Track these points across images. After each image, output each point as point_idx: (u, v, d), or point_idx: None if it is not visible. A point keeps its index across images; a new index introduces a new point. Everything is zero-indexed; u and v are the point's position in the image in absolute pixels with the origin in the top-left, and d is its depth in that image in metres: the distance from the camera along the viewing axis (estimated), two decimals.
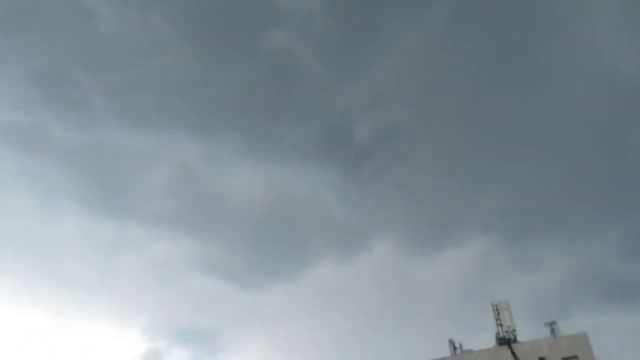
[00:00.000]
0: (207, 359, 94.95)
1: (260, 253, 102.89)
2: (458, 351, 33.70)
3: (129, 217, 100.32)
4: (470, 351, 32.85)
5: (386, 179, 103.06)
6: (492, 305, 33.21)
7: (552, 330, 31.34)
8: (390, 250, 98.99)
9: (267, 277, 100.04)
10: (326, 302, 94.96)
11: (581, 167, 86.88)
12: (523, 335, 31.62)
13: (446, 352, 33.81)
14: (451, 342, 34.17)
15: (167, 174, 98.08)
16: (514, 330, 31.52)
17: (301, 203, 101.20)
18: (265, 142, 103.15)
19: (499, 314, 32.46)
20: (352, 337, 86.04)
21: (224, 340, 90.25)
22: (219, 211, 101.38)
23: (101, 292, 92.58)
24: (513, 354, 29.84)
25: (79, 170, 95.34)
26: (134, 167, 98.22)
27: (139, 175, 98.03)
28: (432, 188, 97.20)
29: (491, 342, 32.36)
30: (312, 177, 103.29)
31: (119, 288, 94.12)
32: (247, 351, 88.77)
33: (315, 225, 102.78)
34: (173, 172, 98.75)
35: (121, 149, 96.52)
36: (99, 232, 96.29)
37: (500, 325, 32.19)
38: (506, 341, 30.93)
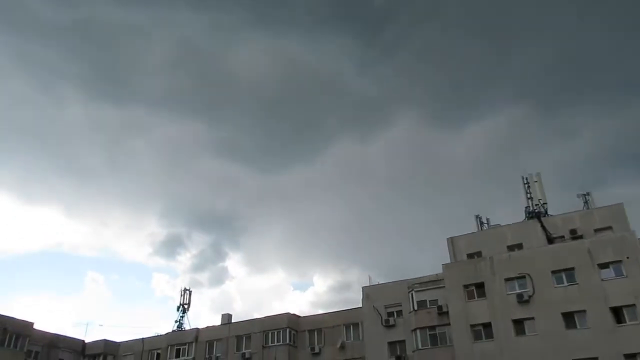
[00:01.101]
0: (228, 243, 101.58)
1: (274, 133, 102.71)
2: (485, 226, 33.33)
3: (131, 99, 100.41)
4: (497, 226, 32.48)
5: (408, 44, 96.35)
6: (522, 178, 32.07)
7: (586, 202, 30.37)
8: (414, 125, 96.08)
9: (283, 159, 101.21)
10: (347, 181, 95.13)
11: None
12: (554, 209, 30.91)
13: (472, 226, 33.46)
14: (478, 217, 33.68)
15: (167, 52, 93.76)
16: (545, 204, 30.68)
17: (316, 77, 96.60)
18: (275, 8, 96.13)
19: (529, 187, 31.50)
20: (375, 215, 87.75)
21: (244, 224, 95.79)
22: (227, 89, 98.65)
23: (113, 179, 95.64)
24: (543, 227, 29.39)
25: (73, 51, 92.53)
26: (131, 45, 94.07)
27: (137, 54, 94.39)
28: (459, 52, 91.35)
29: (520, 216, 31.85)
30: (328, 47, 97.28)
31: (131, 174, 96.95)
32: (269, 233, 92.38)
33: (331, 102, 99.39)
34: (174, 49, 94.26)
35: (115, 26, 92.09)
36: (102, 116, 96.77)
37: (530, 198, 31.36)
38: (536, 215, 30.22)
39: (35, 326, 35.45)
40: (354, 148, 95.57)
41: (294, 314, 34.92)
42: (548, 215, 30.45)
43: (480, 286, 27.73)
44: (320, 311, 35.12)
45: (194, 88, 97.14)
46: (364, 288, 32.89)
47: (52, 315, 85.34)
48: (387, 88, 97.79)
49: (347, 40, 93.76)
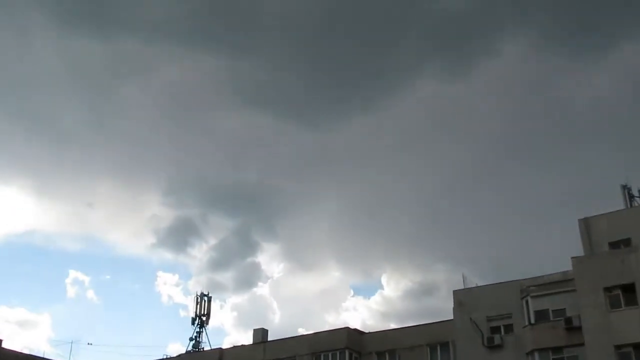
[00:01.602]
0: (260, 230, 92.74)
1: (322, 73, 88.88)
2: (636, 201, 28.53)
3: (122, 30, 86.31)
4: None
5: None
6: None
7: None
8: (528, 53, 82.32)
9: (337, 109, 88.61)
10: (429, 137, 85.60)
11: None
12: None
13: (617, 201, 29.23)
14: (625, 188, 28.95)
15: None
16: None
17: None
18: None
19: None
20: (470, 186, 78.48)
21: (282, 203, 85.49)
22: (255, 11, 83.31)
23: (100, 143, 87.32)
24: None
25: None
26: None
27: None
28: None
29: None
30: None
31: (124, 135, 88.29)
32: (318, 216, 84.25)
33: (406, 20, 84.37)
34: None
35: None
36: (84, 55, 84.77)
37: None
38: None
39: (4, 344, 34.11)
40: (438, 88, 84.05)
41: (356, 330, 33.51)
42: None
43: (629, 289, 25.42)
44: (393, 325, 33.94)
45: (204, 12, 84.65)
46: (456, 293, 30.64)
47: (23, 330, 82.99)
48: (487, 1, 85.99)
49: None
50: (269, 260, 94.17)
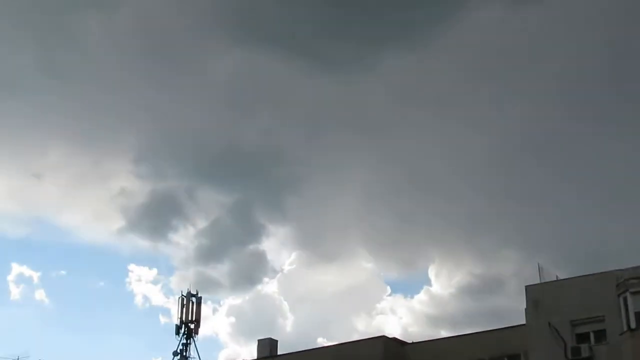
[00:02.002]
0: (265, 208, 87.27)
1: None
2: None
3: None
4: None
5: None
6: None
7: None
8: None
9: (363, 44, 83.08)
10: (488, 74, 78.63)
11: None
12: None
13: None
14: None
15: None
16: None
17: None
18: None
19: None
20: (544, 145, 73.10)
21: (294, 171, 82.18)
22: None
23: (53, 93, 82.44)
24: None
25: None
26: None
27: None
28: None
29: None
30: None
31: (83, 82, 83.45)
32: (342, 188, 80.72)
33: None
34: None
35: None
36: None
37: None
38: None
39: None
40: (503, 14, 78.33)
41: (395, 340, 32.76)
42: None
43: None
44: (445, 333, 32.57)
45: None
46: (529, 289, 28.95)
47: None
48: None
49: None
50: (278, 248, 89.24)
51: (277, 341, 36.07)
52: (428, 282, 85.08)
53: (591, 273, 28.18)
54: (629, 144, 68.24)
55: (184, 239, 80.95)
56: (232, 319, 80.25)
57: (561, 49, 76.59)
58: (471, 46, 79.36)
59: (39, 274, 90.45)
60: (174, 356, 40.54)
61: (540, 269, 29.84)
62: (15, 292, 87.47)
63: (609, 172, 69.14)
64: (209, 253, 78.21)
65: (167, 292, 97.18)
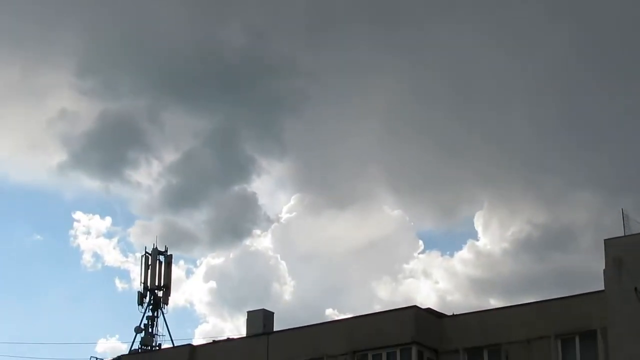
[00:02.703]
0: (256, 132, 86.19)
1: None
2: None
3: None
4: None
5: None
6: None
7: None
8: None
9: None
10: None
11: None
12: None
13: None
14: None
15: None
16: None
17: None
18: None
19: None
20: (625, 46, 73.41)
21: (289, 85, 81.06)
22: None
23: None
24: None
25: None
26: None
27: None
28: None
29: None
30: None
31: None
32: (351, 105, 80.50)
33: None
34: None
35: None
36: None
37: None
38: None
39: None
40: None
41: (430, 310, 32.77)
42: None
43: None
44: (496, 303, 33.47)
45: None
46: (610, 243, 28.60)
47: None
48: None
49: None
50: (272, 189, 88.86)
51: (272, 313, 36.24)
52: (474, 235, 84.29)
53: None
54: None
55: (147, 177, 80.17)
56: (213, 284, 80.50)
57: None
58: None
59: None
60: (137, 333, 41.06)
61: (624, 217, 29.28)
62: None
63: None
64: (181, 196, 78.02)
65: (125, 249, 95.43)
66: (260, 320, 35.33)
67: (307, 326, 33.81)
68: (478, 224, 78.55)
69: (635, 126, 70.61)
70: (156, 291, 41.54)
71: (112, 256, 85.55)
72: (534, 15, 76.97)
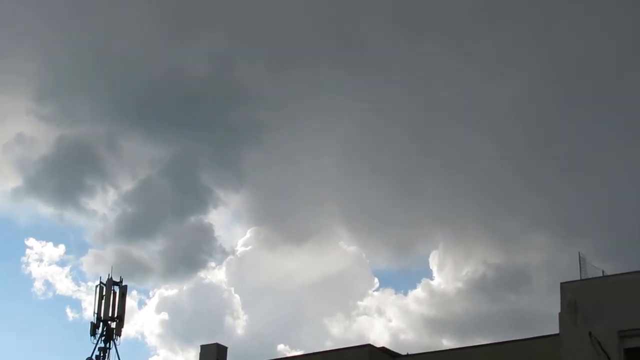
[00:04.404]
0: (215, 162, 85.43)
1: None
2: None
3: None
4: None
5: None
6: None
7: None
8: None
9: None
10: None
11: None
12: None
13: None
14: None
15: None
16: None
17: None
18: None
19: None
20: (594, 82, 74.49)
21: (250, 114, 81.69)
22: None
23: None
24: None
25: None
26: None
27: None
28: None
29: None
30: None
31: None
32: (311, 137, 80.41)
33: None
34: None
35: None
36: None
37: None
38: None
39: None
40: None
41: (384, 350, 32.59)
42: None
43: None
44: (448, 343, 33.14)
45: None
46: (565, 287, 28.42)
47: None
48: None
49: None
50: (229, 222, 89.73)
51: (226, 348, 35.81)
52: (428, 274, 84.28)
53: None
54: None
55: (102, 205, 79.79)
56: (165, 316, 79.50)
57: None
58: None
59: None
60: None
61: (581, 261, 29.25)
62: None
63: None
64: (136, 226, 77.79)
65: (78, 278, 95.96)
66: (214, 354, 35.27)
67: None
68: (433, 263, 79.38)
69: (591, 171, 72.22)
70: (109, 322, 40.84)
71: (64, 285, 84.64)
72: (496, 56, 79.04)
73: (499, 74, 77.16)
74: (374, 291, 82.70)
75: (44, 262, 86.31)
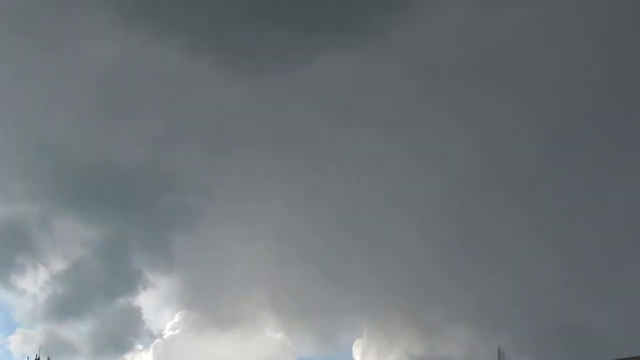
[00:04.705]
0: (145, 247, 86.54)
1: None
2: None
3: None
4: None
5: None
6: None
7: None
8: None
9: (284, 36, 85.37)
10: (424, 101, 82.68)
11: None
12: None
13: None
14: None
15: None
16: None
17: None
18: None
19: None
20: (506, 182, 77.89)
21: (183, 200, 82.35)
22: None
23: None
24: None
25: None
26: None
27: None
28: None
29: None
30: None
31: None
32: (242, 225, 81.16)
33: None
34: None
35: None
36: None
37: None
38: None
39: None
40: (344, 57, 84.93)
41: None
42: None
43: None
44: None
45: None
46: None
47: None
48: None
49: None
50: (158, 305, 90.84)
51: None
52: None
53: None
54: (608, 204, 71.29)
55: (32, 284, 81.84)
56: None
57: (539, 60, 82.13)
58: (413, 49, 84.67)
59: None
60: None
61: (500, 354, 29.66)
62: None
63: (593, 233, 71.73)
64: (65, 306, 79.86)
65: (5, 357, 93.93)
66: None
67: None
68: (356, 352, 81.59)
69: (512, 267, 74.39)
70: None
71: None
72: (424, 143, 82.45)
73: (427, 163, 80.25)
74: None
75: None
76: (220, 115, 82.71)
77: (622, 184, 77.82)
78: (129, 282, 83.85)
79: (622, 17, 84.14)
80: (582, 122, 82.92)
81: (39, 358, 41.80)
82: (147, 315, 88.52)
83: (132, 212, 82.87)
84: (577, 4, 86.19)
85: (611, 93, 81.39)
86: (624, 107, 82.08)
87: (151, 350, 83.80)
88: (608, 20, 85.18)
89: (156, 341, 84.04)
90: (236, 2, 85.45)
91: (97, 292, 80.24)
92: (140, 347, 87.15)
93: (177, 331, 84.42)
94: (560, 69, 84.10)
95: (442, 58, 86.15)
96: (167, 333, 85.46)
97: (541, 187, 79.99)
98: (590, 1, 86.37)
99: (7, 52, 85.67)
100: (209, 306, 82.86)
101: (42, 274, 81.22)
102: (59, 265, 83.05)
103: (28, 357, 42.09)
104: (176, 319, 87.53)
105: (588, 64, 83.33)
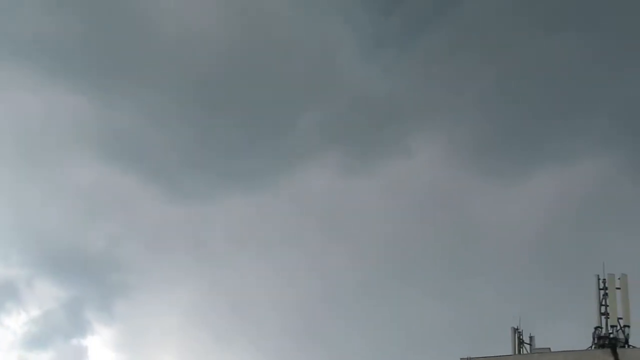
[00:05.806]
0: (96, 306, 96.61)
1: (209, 133, 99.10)
2: (526, 348, 35.14)
3: None
4: (545, 350, 34.20)
5: (452, 16, 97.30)
6: (598, 279, 33.99)
7: None
8: (440, 159, 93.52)
9: (219, 178, 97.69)
10: (319, 233, 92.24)
11: None
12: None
13: (506, 348, 34.96)
14: (516, 331, 35.24)
15: None
16: (627, 327, 32.61)
17: (289, 46, 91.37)
18: None
19: (606, 295, 33.36)
20: (355, 293, 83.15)
21: (126, 279, 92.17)
22: (138, 46, 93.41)
23: None
24: None
25: None
26: None
27: None
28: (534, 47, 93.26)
29: (586, 340, 33.38)
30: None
31: None
32: (170, 299, 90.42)
33: (311, 91, 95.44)
34: None
35: None
36: None
37: (606, 314, 33.17)
38: (610, 343, 31.92)
39: None
40: (339, 180, 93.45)
41: None
42: (629, 345, 32.32)
43: None
44: None
45: (78, 37, 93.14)
46: None
47: None
48: (405, 88, 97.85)
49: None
50: (101, 346, 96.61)
51: None
52: None
53: None
54: (420, 308, 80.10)
55: (15, 323, 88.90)
56: None
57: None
58: (301, 202, 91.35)
59: None
60: None
61: None
62: None
63: (396, 334, 78.82)
64: (35, 339, 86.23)
65: None
66: None
67: None
68: None
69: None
70: None
71: None
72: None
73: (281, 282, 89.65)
74: None
75: None
76: (159, 228, 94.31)
77: None
78: (82, 328, 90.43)
79: None
80: None
81: None
82: (92, 352, 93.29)
83: (92, 281, 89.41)
84: None
85: None
86: None
87: None
88: None
89: None
90: None
91: (59, 332, 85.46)
92: None
93: None
94: None
95: None
96: None
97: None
98: None
99: None
100: (137, 352, 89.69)
101: (23, 317, 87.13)
102: (35, 311, 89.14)
103: None
104: (112, 357, 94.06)
105: None
